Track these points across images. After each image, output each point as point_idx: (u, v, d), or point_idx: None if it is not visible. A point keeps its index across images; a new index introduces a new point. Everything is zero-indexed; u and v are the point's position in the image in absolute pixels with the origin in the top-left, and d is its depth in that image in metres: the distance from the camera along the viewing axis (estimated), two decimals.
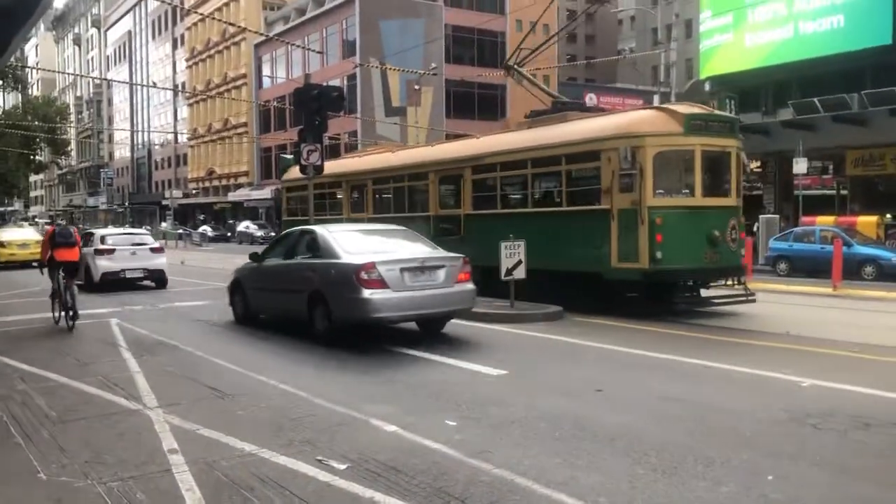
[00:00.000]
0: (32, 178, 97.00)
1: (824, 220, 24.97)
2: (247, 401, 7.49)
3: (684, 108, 13.28)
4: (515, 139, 15.51)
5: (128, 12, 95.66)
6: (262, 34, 54.53)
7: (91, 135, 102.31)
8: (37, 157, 68.87)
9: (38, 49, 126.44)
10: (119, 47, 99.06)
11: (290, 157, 24.33)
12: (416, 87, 50.32)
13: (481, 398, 7.45)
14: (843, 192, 31.95)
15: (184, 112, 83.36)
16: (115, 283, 19.30)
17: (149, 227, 54.65)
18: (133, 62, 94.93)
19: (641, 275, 12.41)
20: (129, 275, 19.55)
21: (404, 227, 12.60)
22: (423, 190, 17.40)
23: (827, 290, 17.95)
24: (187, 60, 79.93)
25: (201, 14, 61.14)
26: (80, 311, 12.69)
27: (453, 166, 16.59)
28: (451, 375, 8.54)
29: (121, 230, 27.22)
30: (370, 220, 17.74)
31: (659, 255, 12.19)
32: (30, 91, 75.83)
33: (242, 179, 69.75)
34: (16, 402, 7.59)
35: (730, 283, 13.79)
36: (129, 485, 5.18)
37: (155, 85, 79.79)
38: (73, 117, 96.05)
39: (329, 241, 10.98)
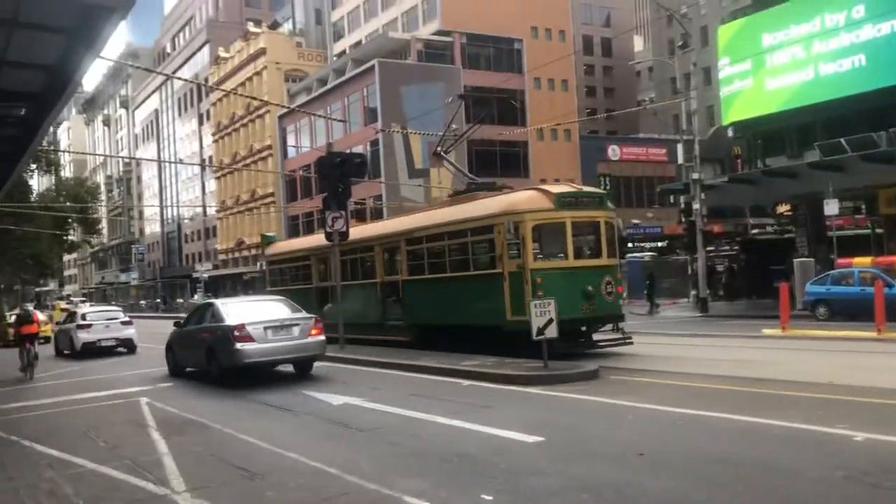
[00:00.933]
0: (66, 257, 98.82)
1: (861, 262, 24.36)
2: (276, 480, 7.27)
3: (556, 189, 16.07)
4: (436, 215, 18.41)
5: (154, 91, 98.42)
6: (285, 106, 55.73)
7: (122, 212, 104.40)
8: (69, 237, 70.19)
9: (70, 131, 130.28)
10: (147, 126, 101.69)
11: (272, 234, 28.36)
12: (438, 148, 50.86)
13: (517, 468, 7.16)
14: (879, 230, 31.34)
15: (212, 185, 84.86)
16: (94, 351, 23.38)
17: (180, 300, 55.16)
18: (161, 139, 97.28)
19: (527, 325, 13.22)
20: (104, 343, 23.85)
21: (281, 297, 17.07)
22: (371, 260, 20.02)
23: (871, 335, 17.37)
24: (213, 135, 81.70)
25: (225, 90, 62.76)
26: (110, 392, 14.23)
27: (393, 239, 19.18)
28: (485, 444, 8.24)
29: (98, 308, 31.52)
30: (329, 288, 20.64)
31: (541, 297, 13.54)
32: (62, 173, 77.80)
33: None
34: (43, 492, 7.44)
35: (612, 328, 16.10)
36: None
37: (182, 161, 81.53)
38: (103, 196, 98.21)
39: (220, 310, 15.05)
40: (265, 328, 14.07)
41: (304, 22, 79.80)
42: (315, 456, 8.03)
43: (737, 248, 35.29)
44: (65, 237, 66.05)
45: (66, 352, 24.88)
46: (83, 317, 25.07)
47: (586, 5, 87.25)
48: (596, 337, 16.26)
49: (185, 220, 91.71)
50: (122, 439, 9.86)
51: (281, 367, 15.33)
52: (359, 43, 69.04)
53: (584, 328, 16.05)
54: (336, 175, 17.60)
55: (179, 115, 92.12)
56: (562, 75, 63.95)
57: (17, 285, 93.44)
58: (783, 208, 35.74)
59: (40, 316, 29.13)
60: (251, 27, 75.09)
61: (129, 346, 24.36)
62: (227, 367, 14.26)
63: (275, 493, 6.85)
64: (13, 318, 28.91)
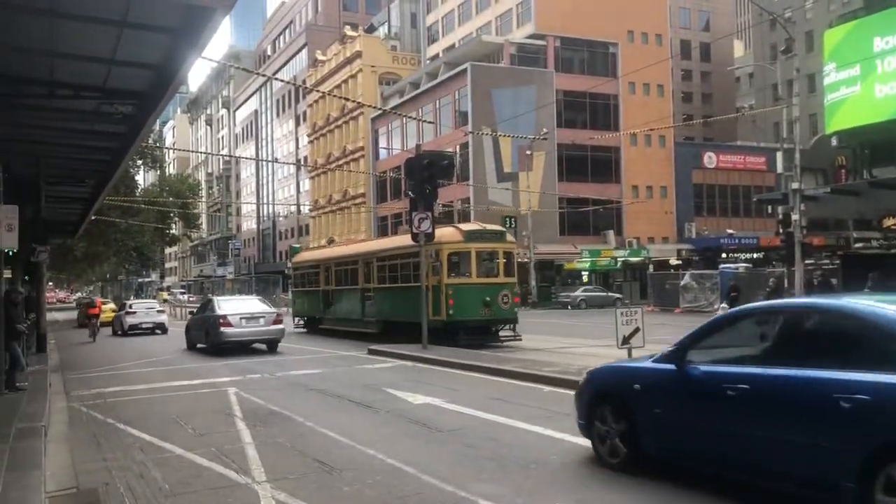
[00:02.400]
0: (167, 250, 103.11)
1: None
2: (353, 476, 7.33)
3: (467, 227, 22.39)
4: (395, 241, 26.11)
5: (254, 93, 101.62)
6: (378, 108, 56.51)
7: (220, 208, 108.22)
8: (171, 231, 73.20)
9: (175, 130, 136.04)
10: (247, 126, 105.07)
11: (297, 246, 39.09)
12: (528, 152, 50.58)
13: (599, 480, 6.99)
14: None
15: (306, 185, 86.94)
16: (137, 331, 32.14)
17: (274, 295, 56.54)
18: (259, 139, 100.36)
19: (443, 323, 20.12)
20: (144, 326, 32.59)
21: (259, 296, 27.34)
22: (356, 271, 25.95)
23: None
24: (309, 136, 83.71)
25: (322, 92, 64.13)
26: (203, 380, 14.95)
27: (368, 257, 25.41)
28: (566, 452, 8.09)
29: (141, 301, 43.27)
30: (331, 291, 28.04)
31: (451, 312, 20.18)
32: (166, 169, 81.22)
33: None
34: (133, 474, 7.73)
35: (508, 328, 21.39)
36: None
37: (278, 160, 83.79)
38: (204, 192, 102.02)
39: (215, 304, 22.69)
40: (241, 318, 21.12)
41: (400, 26, 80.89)
42: (393, 453, 8.07)
43: (837, 261, 33.73)
44: (166, 231, 68.93)
45: (118, 332, 33.19)
46: (130, 306, 34.78)
47: (685, 9, 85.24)
48: (502, 334, 21.33)
49: (280, 218, 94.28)
50: (209, 427, 10.16)
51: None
52: (452, 46, 69.47)
53: (493, 328, 21.40)
54: (423, 176, 17.69)
55: (277, 115, 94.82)
56: (657, 80, 62.62)
57: (122, 275, 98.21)
58: (890, 221, 33.91)
59: (103, 304, 40.05)
60: (348, 31, 76.57)
61: (162, 328, 32.85)
62: (216, 344, 21.08)
63: (351, 489, 6.90)
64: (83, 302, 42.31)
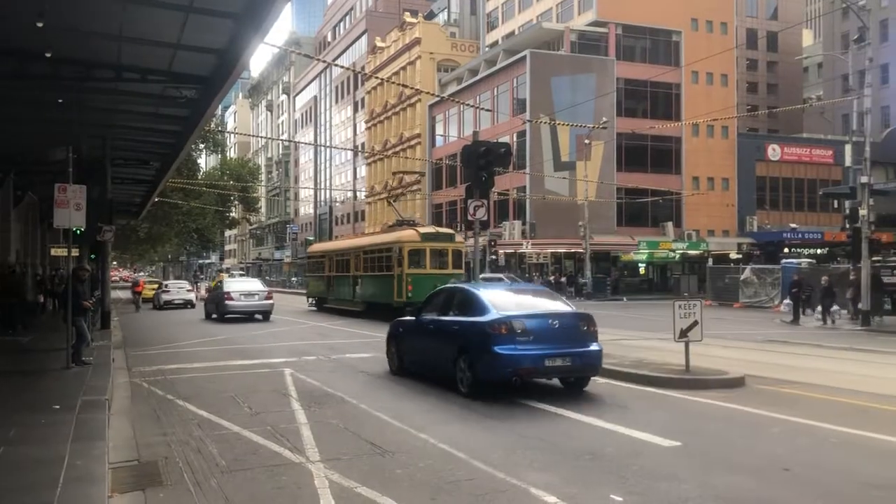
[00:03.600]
0: (226, 232, 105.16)
1: None
2: (406, 459, 7.38)
3: (423, 230, 28.84)
4: (375, 238, 31.93)
5: (314, 79, 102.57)
6: (435, 95, 56.50)
7: (279, 193, 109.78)
8: (231, 214, 74.60)
9: (236, 115, 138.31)
10: (306, 112, 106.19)
11: (312, 238, 49.26)
12: (587, 141, 49.96)
13: (650, 471, 6.90)
14: None
15: (362, 171, 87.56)
16: (171, 306, 38.67)
17: None
18: (318, 125, 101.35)
19: (403, 303, 25.01)
20: (176, 302, 39.18)
21: (257, 279, 42.60)
22: (349, 261, 32.54)
23: None
24: (366, 122, 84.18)
25: (380, 78, 64.40)
26: (259, 360, 15.29)
27: (357, 250, 31.92)
28: (618, 443, 8.02)
29: (172, 281, 53.10)
30: (332, 277, 34.52)
31: (410, 295, 25.66)
32: (227, 153, 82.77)
33: None
34: (191, 449, 7.92)
35: None
36: None
37: (336, 146, 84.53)
38: (263, 177, 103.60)
39: (223, 284, 30.75)
40: (240, 294, 28.55)
41: (459, 12, 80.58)
42: (444, 439, 8.09)
43: None
44: (227, 213, 70.32)
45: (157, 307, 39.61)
46: (165, 286, 42.12)
47: None
48: None
49: (337, 203, 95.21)
50: (265, 406, 10.34)
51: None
52: (512, 33, 68.93)
53: None
54: (480, 164, 17.59)
55: (336, 102, 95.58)
56: (721, 69, 61.10)
57: (183, 256, 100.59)
58: None
59: (146, 284, 47.44)
60: (408, 17, 76.61)
61: (190, 304, 39.32)
62: (222, 313, 28.48)
63: (403, 472, 6.95)
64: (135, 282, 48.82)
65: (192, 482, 6.69)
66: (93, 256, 30.26)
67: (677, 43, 59.70)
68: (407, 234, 28.01)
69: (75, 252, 21.88)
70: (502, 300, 11.57)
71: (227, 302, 28.02)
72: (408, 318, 13.59)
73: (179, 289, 41.15)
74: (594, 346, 11.05)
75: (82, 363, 13.22)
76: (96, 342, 16.24)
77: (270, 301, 29.12)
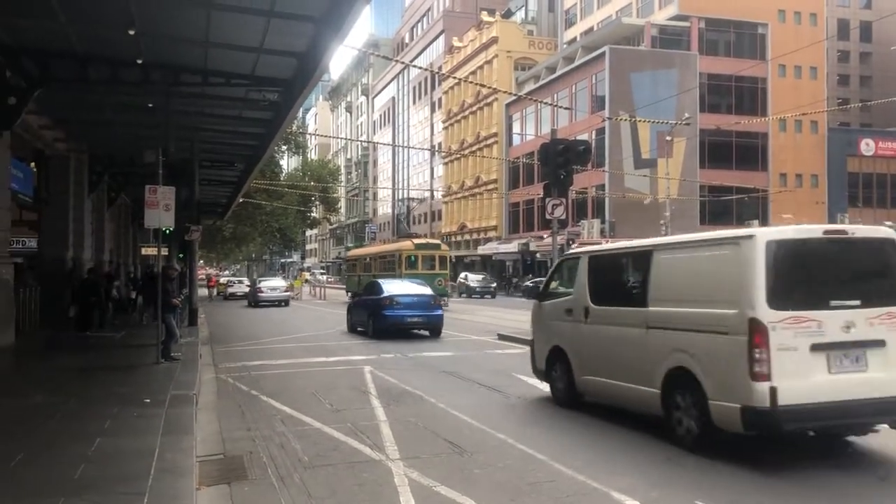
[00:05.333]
0: (308, 232, 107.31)
1: None
2: (485, 459, 7.35)
3: (417, 241, 40.09)
4: (385, 247, 44.51)
5: (392, 80, 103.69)
6: (512, 94, 56.29)
7: (358, 193, 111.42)
8: (312, 214, 76.09)
9: (317, 116, 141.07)
10: (384, 112, 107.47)
11: (352, 245, 65.26)
12: (668, 137, 48.89)
13: (738, 477, 6.67)
14: None
15: (439, 170, 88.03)
16: (235, 297, 47.92)
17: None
18: (396, 125, 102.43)
19: (437, 295, 25.25)
20: (238, 294, 48.52)
21: (280, 277, 65.62)
22: (370, 263, 43.86)
23: None
24: (443, 122, 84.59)
25: (457, 78, 64.58)
26: (339, 357, 15.73)
27: (375, 255, 43.79)
28: (704, 450, 7.77)
29: (239, 278, 66.04)
30: (360, 276, 42.94)
31: None
32: (308, 154, 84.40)
33: (491, 234, 71.82)
34: (275, 444, 8.09)
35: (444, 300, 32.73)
36: None
37: (414, 146, 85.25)
38: (343, 177, 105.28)
39: (256, 282, 46.89)
40: (268, 288, 40.83)
41: (537, 10, 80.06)
42: (522, 439, 8.03)
43: None
44: (308, 213, 71.76)
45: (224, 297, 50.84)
46: (229, 283, 54.99)
47: None
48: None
49: (414, 203, 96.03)
50: (345, 403, 10.48)
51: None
52: (591, 30, 68.09)
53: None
54: (558, 162, 17.42)
55: (414, 102, 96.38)
56: (810, 62, 58.93)
57: (266, 255, 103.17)
58: None
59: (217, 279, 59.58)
60: (485, 16, 76.57)
61: (285, 303, 42.08)
62: (254, 302, 39.42)
63: (482, 472, 6.92)
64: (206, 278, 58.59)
65: (275, 476, 6.83)
66: (181, 255, 31.32)
67: (763, 36, 57.90)
68: (405, 244, 39.25)
69: (164, 251, 22.68)
70: (392, 287, 21.70)
71: (258, 294, 40.16)
72: (355, 298, 25.99)
73: (238, 283, 52.06)
74: (438, 312, 21.05)
75: (171, 359, 13.68)
76: (184, 339, 16.79)
77: (288, 293, 42.25)
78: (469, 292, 51.33)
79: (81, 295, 19.10)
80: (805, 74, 59.60)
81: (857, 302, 7.19)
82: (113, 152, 25.17)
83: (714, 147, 54.95)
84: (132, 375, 12.29)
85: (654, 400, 8.13)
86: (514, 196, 67.23)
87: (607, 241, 50.82)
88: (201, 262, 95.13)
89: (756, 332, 6.88)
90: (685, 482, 6.58)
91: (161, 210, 13.48)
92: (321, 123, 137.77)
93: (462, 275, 56.46)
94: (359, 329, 21.80)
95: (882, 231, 7.97)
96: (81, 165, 23.49)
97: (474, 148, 73.69)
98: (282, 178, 61.72)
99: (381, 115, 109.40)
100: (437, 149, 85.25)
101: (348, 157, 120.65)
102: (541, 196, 19.99)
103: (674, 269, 8.29)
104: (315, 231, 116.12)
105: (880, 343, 7.15)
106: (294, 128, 56.57)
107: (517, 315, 26.71)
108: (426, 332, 20.76)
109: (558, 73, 62.39)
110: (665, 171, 48.59)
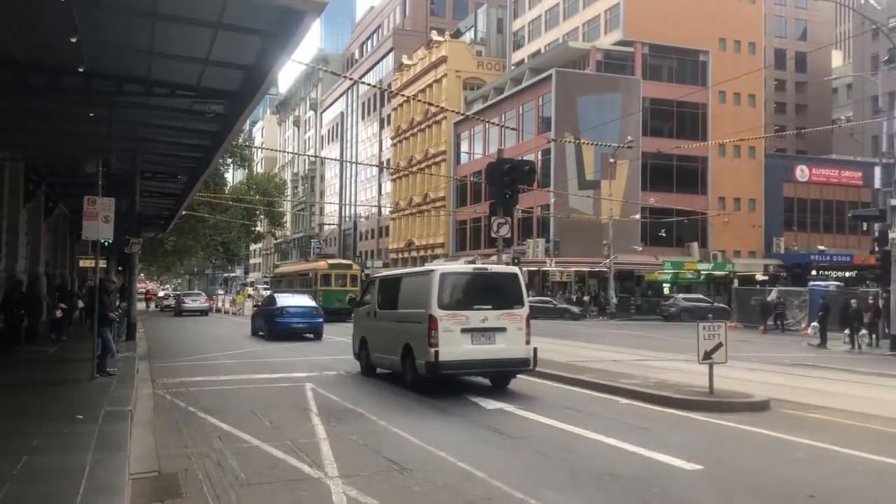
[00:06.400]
0: (252, 246, 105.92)
1: None
2: (424, 477, 7.35)
3: (332, 261, 45.60)
4: (304, 266, 51.08)
5: (341, 95, 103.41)
6: (461, 113, 56.67)
7: (304, 208, 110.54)
8: (256, 228, 75.18)
9: (263, 130, 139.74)
10: (332, 128, 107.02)
11: (280, 263, 75.11)
12: (612, 160, 49.80)
13: (671, 494, 6.82)
14: None
15: (387, 187, 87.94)
16: (187, 312, 47.82)
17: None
18: (344, 141, 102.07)
19: (319, 307, 28.64)
20: (191, 308, 48.86)
21: (203, 293, 65.46)
22: (293, 280, 47.61)
23: None
24: (392, 139, 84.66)
25: (406, 96, 64.75)
26: (280, 374, 15.27)
27: (295, 273, 49.62)
28: (640, 466, 7.92)
29: (186, 291, 71.97)
30: (292, 291, 37.96)
31: (321, 301, 33.08)
32: (254, 168, 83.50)
33: (438, 251, 71.95)
34: (212, 462, 7.95)
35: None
36: None
37: (361, 162, 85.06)
38: (289, 192, 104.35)
39: (181, 297, 53.66)
40: (190, 300, 50.58)
41: (486, 31, 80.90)
42: (464, 457, 8.05)
43: None
44: (252, 227, 70.87)
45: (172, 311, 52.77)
46: (179, 297, 53.69)
47: (780, 17, 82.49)
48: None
49: (362, 219, 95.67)
50: (285, 421, 10.36)
51: None
52: (538, 52, 69.10)
53: (342, 312, 36.09)
54: (504, 181, 17.60)
55: (363, 118, 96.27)
56: (749, 90, 60.76)
57: (208, 270, 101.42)
58: None
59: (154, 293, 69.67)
60: (434, 36, 77.07)
61: (205, 311, 49.60)
62: (177, 312, 48.26)
63: (421, 489, 6.92)
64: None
65: (211, 494, 6.71)
66: (120, 268, 30.61)
67: (704, 63, 59.51)
68: (320, 264, 44.45)
69: (103, 264, 22.14)
70: (284, 300, 27.51)
71: (182, 305, 48.53)
72: (255, 309, 33.38)
73: (191, 301, 52.43)
74: (319, 320, 26.22)
75: (107, 374, 13.34)
76: (121, 353, 16.39)
77: (207, 305, 51.11)
78: None
79: (9, 308, 18.47)
80: (744, 101, 61.40)
81: (490, 306, 12.81)
82: (51, 161, 24.51)
83: (656, 170, 56.11)
84: (65, 391, 11.95)
85: (398, 363, 13.60)
86: (462, 214, 67.55)
87: (552, 260, 51.56)
88: (141, 275, 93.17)
89: (432, 321, 12.38)
90: (620, 499, 6.69)
91: (100, 222, 13.18)
92: (268, 137, 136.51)
93: None
94: (260, 333, 27.15)
95: (508, 269, 14.47)
96: (17, 174, 22.82)
97: (423, 165, 73.90)
98: (226, 192, 60.89)
99: (329, 130, 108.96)
100: (385, 165, 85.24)
101: (295, 171, 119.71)
102: (487, 214, 20.16)
103: (408, 288, 13.99)
104: (259, 245, 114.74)
105: (503, 329, 12.78)
106: (240, 141, 56.00)
107: None
108: (311, 335, 26.16)
109: (506, 93, 63.09)
110: (608, 193, 49.45)
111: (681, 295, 49.83)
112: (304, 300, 28.07)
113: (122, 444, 8.09)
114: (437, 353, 12.18)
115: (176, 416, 10.79)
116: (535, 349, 13.08)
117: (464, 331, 12.42)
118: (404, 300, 13.89)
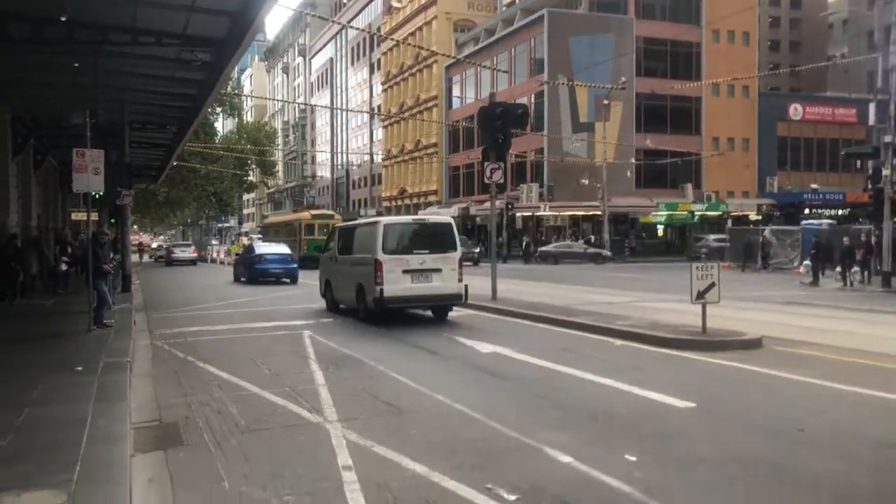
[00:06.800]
0: (245, 196, 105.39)
1: None
2: (421, 419, 7.47)
3: (315, 212, 49.17)
4: (289, 217, 55.54)
5: (330, 41, 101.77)
6: (452, 56, 55.96)
7: (296, 156, 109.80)
8: (248, 178, 74.76)
9: (252, 78, 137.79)
10: (322, 74, 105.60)
11: (268, 214, 78.09)
12: (605, 101, 49.37)
13: (665, 432, 6.95)
14: None
15: (379, 134, 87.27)
16: (177, 262, 51.92)
17: None
18: (334, 88, 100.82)
19: (302, 257, 35.55)
20: (181, 258, 52.81)
21: (192, 244, 71.69)
22: (279, 230, 50.47)
23: None
24: (383, 84, 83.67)
25: (396, 40, 63.80)
26: (280, 322, 15.60)
27: (281, 224, 52.78)
28: (634, 405, 8.05)
29: (175, 242, 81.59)
30: (278, 240, 41.18)
31: (304, 251, 39.82)
32: (244, 117, 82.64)
33: (432, 198, 71.78)
34: (212, 410, 8.05)
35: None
36: (304, 501, 5.26)
37: (352, 109, 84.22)
38: (280, 140, 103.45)
39: (171, 247, 63.21)
40: (179, 250, 56.62)
41: None
42: (460, 399, 8.17)
43: None
44: (244, 177, 70.50)
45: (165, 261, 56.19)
46: (171, 249, 58.39)
47: None
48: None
49: (354, 167, 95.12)
50: (284, 368, 10.48)
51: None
52: None
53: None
54: (496, 126, 17.49)
55: (352, 64, 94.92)
56: (743, 27, 59.97)
57: (202, 220, 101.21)
58: None
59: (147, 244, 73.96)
60: None
61: (193, 262, 53.21)
62: (168, 262, 52.79)
63: (418, 431, 7.04)
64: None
65: (212, 442, 6.81)
66: (112, 220, 30.52)
67: (698, 1, 58.61)
68: (304, 214, 47.65)
69: (95, 216, 22.06)
70: (262, 248, 30.92)
71: (171, 255, 53.29)
72: (238, 256, 35.60)
73: (184, 251, 56.41)
74: (294, 265, 29.09)
75: (104, 326, 13.42)
76: (118, 305, 16.45)
77: (195, 255, 55.73)
78: None
79: (5, 262, 18.47)
80: (738, 40, 60.67)
81: (427, 251, 14.97)
82: (38, 114, 24.20)
83: (650, 111, 55.74)
84: (63, 343, 12.03)
85: (353, 299, 15.82)
86: (455, 160, 67.20)
87: (546, 205, 51.54)
88: (134, 227, 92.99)
89: (377, 264, 14.52)
90: (614, 437, 6.82)
91: (90, 174, 13.09)
92: (257, 85, 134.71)
93: None
94: (241, 279, 30.13)
95: (443, 218, 17.05)
96: (4, 128, 22.55)
97: (414, 111, 73.19)
98: (217, 141, 60.36)
99: (318, 77, 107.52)
100: (376, 111, 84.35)
101: (285, 119, 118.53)
102: (480, 160, 20.08)
103: (361, 236, 16.01)
104: (252, 195, 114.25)
105: (438, 270, 14.92)
106: (229, 89, 55.27)
107: None
108: (287, 280, 28.93)
109: (497, 35, 62.18)
110: (602, 135, 49.19)
111: (711, 235, 48.27)
112: (280, 248, 31.06)
113: (122, 394, 8.18)
114: (381, 290, 14.38)
115: (175, 365, 10.89)
116: (467, 286, 15.43)
117: (405, 272, 14.60)
118: (358, 247, 15.99)
